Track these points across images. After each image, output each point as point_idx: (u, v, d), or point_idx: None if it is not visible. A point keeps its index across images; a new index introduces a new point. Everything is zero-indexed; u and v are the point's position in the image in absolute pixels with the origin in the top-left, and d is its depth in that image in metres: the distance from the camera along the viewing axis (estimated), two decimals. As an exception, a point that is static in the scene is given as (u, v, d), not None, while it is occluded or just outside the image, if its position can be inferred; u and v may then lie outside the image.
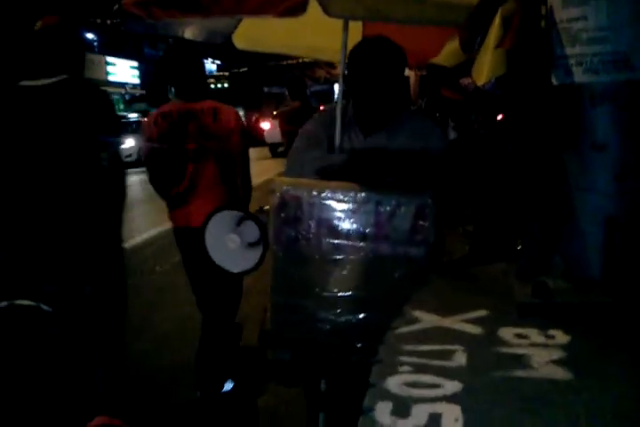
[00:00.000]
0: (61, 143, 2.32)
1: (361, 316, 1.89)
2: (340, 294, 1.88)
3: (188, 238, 3.12)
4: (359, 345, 1.89)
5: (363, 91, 2.13)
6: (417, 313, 1.46)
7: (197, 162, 3.08)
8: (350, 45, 2.35)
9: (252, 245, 2.16)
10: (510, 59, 1.51)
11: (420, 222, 1.88)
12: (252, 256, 2.13)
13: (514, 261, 1.92)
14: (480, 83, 1.55)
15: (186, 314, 4.99)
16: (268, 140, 18.85)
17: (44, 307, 0.89)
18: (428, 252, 1.89)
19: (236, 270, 2.22)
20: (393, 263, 1.89)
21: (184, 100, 3.11)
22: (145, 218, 8.80)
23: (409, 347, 1.25)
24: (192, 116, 3.09)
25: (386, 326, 1.88)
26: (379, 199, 1.89)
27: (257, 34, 3.34)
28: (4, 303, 0.88)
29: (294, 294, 1.89)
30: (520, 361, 1.16)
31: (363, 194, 1.89)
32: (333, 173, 2.19)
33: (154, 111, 3.26)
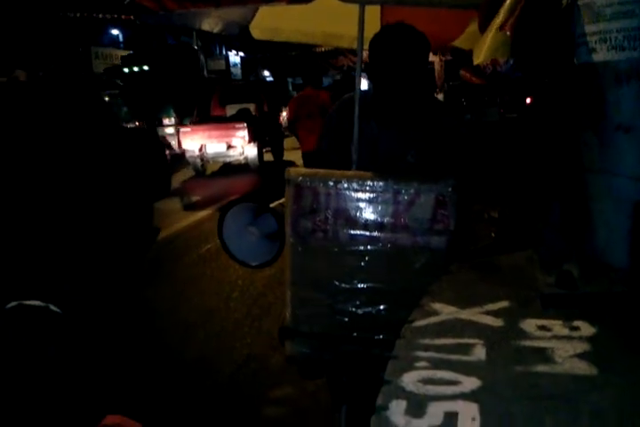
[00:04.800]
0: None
1: (381, 308, 1.85)
2: (359, 285, 1.84)
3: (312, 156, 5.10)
4: (379, 338, 1.85)
5: (383, 81, 2.08)
6: (436, 305, 1.41)
7: (314, 118, 6.78)
8: (368, 32, 2.30)
9: (270, 237, 2.13)
10: (528, 39, 1.44)
11: (441, 211, 1.83)
12: (271, 249, 2.10)
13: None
14: (476, 62, 1.49)
15: (211, 306, 5.02)
16: None
17: (54, 308, 0.87)
18: (450, 241, 1.84)
19: (254, 263, 2.19)
20: (413, 254, 1.84)
21: (312, 89, 7.19)
22: (172, 210, 8.85)
23: (426, 341, 1.20)
24: (311, 97, 7.07)
25: (406, 319, 1.84)
26: (397, 188, 1.84)
27: (273, 23, 3.30)
28: (13, 304, 0.85)
29: (312, 287, 1.86)
30: (542, 355, 1.11)
31: (380, 183, 1.84)
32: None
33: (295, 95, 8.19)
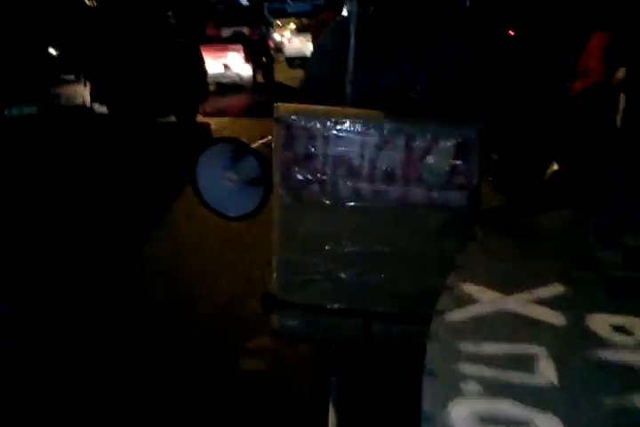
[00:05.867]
0: None
1: (387, 276, 1.54)
2: (361, 249, 1.52)
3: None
4: (382, 311, 1.56)
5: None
6: (470, 287, 1.10)
7: None
8: None
9: (252, 183, 1.79)
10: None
11: (462, 161, 1.50)
12: (253, 197, 1.76)
13: (578, 207, 1.55)
14: None
15: (183, 243, 4.71)
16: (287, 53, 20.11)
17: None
18: (472, 198, 1.52)
19: (232, 214, 1.85)
20: (427, 212, 1.52)
21: (333, 14, 6.25)
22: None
23: (470, 347, 0.90)
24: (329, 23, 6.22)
25: (416, 290, 1.55)
26: (411, 132, 1.49)
27: None
28: None
29: (305, 250, 1.53)
30: (635, 378, 0.81)
31: (390, 125, 1.49)
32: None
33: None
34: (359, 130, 1.49)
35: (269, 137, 1.80)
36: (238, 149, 1.80)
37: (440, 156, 1.50)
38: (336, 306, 1.55)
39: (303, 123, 1.47)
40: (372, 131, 1.49)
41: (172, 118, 9.72)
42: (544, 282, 1.11)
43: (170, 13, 9.88)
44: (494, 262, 1.24)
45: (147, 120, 8.83)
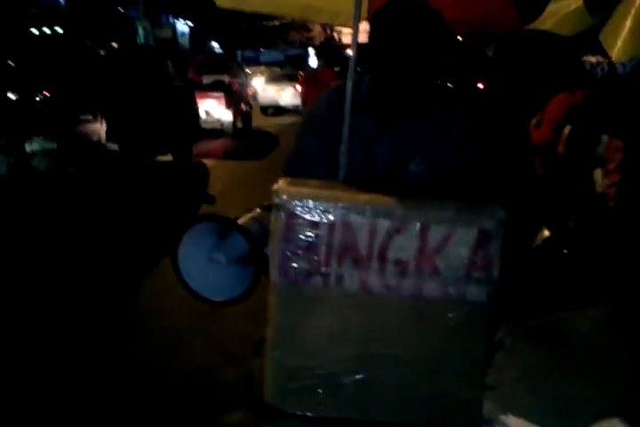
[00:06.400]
0: None
1: (395, 380, 1.36)
2: (369, 350, 1.35)
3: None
4: (392, 420, 1.37)
5: (386, 66, 1.67)
6: (513, 422, 0.93)
7: None
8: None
9: (240, 262, 1.61)
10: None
11: (482, 253, 1.35)
12: (243, 276, 1.57)
13: (602, 305, 1.41)
14: (617, 58, 0.99)
15: (157, 306, 4.47)
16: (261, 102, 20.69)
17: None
18: (492, 293, 1.37)
19: (219, 299, 1.65)
20: (443, 308, 1.35)
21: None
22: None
23: None
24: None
25: (430, 396, 1.37)
26: (425, 219, 1.34)
27: None
28: None
29: (304, 352, 1.35)
30: None
31: (403, 211, 1.34)
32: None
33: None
34: (369, 216, 1.34)
35: (257, 210, 1.64)
36: (223, 227, 1.63)
37: (457, 246, 1.35)
38: (339, 416, 1.35)
39: (307, 209, 1.31)
40: (382, 217, 1.33)
41: (168, 157, 10.28)
42: (597, 415, 0.94)
43: (169, 62, 10.71)
44: (531, 382, 1.07)
45: (149, 157, 9.88)
